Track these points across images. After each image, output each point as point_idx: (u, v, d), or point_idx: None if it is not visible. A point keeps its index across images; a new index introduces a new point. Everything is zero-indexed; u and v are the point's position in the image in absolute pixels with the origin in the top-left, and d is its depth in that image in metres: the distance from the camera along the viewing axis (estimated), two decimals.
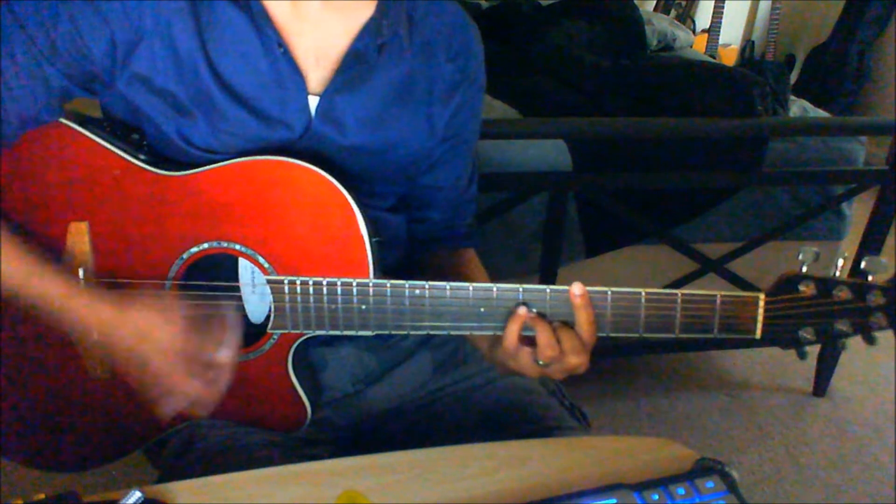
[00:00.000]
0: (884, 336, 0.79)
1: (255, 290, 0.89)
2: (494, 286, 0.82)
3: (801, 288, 0.79)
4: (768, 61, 3.83)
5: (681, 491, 0.72)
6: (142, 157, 0.86)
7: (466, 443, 0.85)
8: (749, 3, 4.37)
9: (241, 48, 0.85)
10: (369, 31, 0.88)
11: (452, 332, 0.84)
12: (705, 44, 3.80)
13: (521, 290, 0.81)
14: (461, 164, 1.02)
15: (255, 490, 0.77)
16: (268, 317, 0.87)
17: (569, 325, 0.82)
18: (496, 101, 2.16)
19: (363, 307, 0.83)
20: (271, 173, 0.83)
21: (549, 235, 1.79)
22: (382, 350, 1.01)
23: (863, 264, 0.77)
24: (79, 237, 0.87)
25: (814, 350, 2.16)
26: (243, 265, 0.88)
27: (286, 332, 0.86)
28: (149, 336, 0.80)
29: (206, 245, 0.85)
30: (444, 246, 1.06)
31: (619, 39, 2.58)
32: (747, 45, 4.22)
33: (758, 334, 0.81)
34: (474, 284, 0.82)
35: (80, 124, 0.86)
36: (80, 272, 0.87)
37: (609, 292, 0.80)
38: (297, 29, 0.86)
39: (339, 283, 0.83)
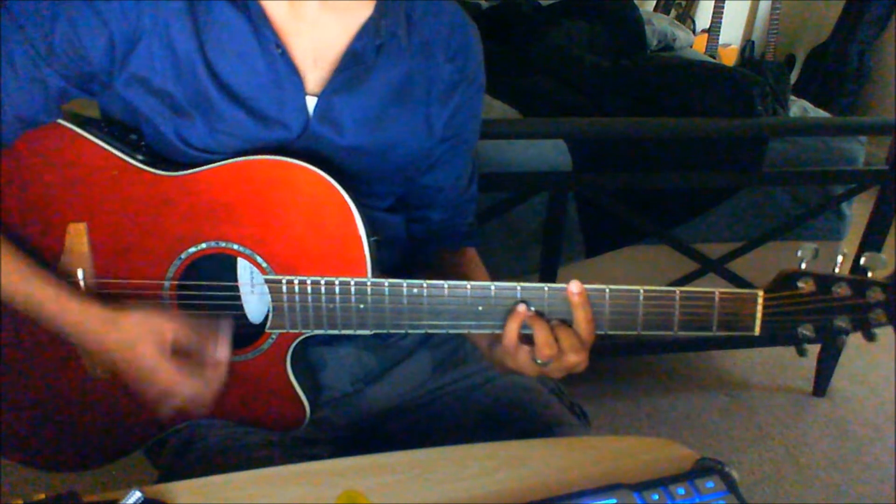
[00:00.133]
0: (884, 336, 0.79)
1: (253, 289, 0.89)
2: (492, 285, 0.82)
3: (801, 284, 0.79)
4: (768, 61, 3.83)
5: (681, 491, 0.72)
6: (140, 157, 0.86)
7: (466, 441, 0.85)
8: (749, 3, 4.37)
9: (238, 48, 0.84)
10: (367, 31, 0.87)
11: (451, 331, 0.84)
12: (705, 44, 3.80)
13: (519, 288, 0.81)
14: (461, 165, 1.02)
15: (255, 490, 0.77)
16: (266, 316, 0.87)
17: (567, 323, 0.81)
18: (496, 101, 2.15)
19: (361, 306, 0.83)
20: (269, 173, 0.83)
21: (549, 235, 1.79)
22: (381, 349, 1.01)
23: (862, 260, 0.77)
24: (77, 238, 0.87)
25: (814, 350, 2.17)
26: (242, 265, 0.88)
27: (285, 331, 0.86)
28: (138, 343, 0.81)
29: (204, 245, 0.85)
30: (445, 245, 1.06)
31: (619, 39, 2.58)
32: (747, 45, 4.22)
33: (757, 331, 0.80)
34: (472, 283, 0.82)
35: (79, 125, 0.86)
36: (79, 273, 0.87)
37: (607, 290, 0.80)
38: (294, 29, 0.86)
39: (337, 283, 0.83)
